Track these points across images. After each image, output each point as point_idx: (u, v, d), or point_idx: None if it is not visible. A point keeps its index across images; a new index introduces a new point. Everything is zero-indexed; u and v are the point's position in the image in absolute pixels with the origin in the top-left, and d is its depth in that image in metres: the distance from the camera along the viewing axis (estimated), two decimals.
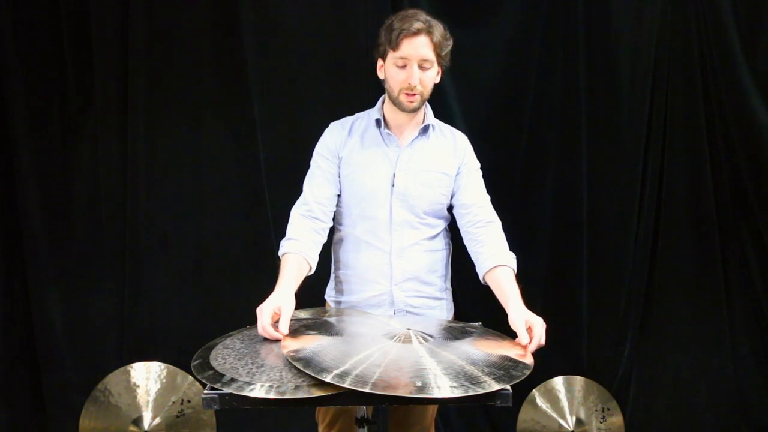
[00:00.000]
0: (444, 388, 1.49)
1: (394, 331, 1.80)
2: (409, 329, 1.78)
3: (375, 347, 1.69)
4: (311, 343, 1.70)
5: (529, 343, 1.77)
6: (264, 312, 1.78)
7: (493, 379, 1.55)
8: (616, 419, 2.83)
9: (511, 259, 2.04)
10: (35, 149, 2.88)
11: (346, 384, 1.48)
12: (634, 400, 3.05)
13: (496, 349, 1.76)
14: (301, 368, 1.55)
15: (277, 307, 1.80)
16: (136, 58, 2.82)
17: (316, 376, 1.51)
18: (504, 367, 1.63)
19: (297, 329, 1.81)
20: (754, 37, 2.86)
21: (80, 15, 2.80)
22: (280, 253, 2.04)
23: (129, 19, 2.80)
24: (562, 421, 2.79)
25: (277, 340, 1.75)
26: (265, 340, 1.78)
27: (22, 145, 2.86)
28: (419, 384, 1.50)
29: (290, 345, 1.69)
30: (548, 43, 2.89)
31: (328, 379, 1.49)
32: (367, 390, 1.47)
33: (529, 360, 1.71)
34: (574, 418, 2.80)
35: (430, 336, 1.79)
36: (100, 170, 2.90)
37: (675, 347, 3.04)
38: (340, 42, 2.86)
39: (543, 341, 1.79)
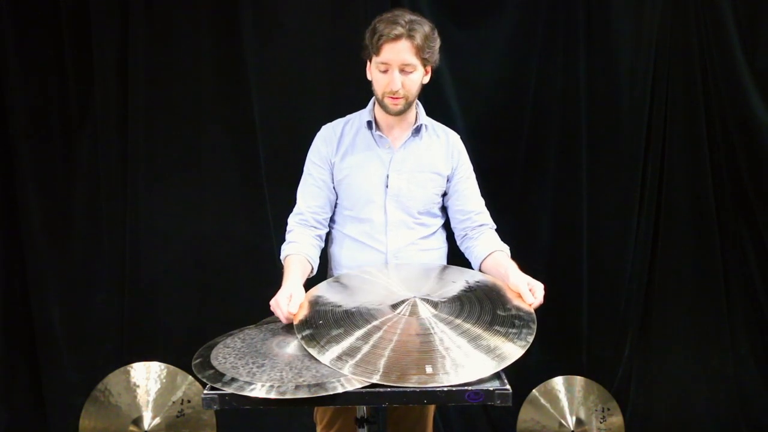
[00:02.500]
0: (461, 369, 1.54)
1: (399, 297, 1.82)
2: (414, 297, 1.81)
3: (381, 320, 1.72)
4: (316, 319, 1.76)
5: (533, 301, 1.84)
6: (281, 302, 1.81)
7: (509, 339, 1.64)
8: (616, 419, 2.83)
9: (504, 247, 2.10)
10: (35, 149, 2.88)
11: (351, 371, 1.52)
12: (634, 400, 3.05)
13: (502, 302, 1.83)
14: (315, 356, 1.60)
15: (289, 295, 1.83)
16: (136, 58, 2.82)
17: (328, 364, 1.56)
18: (518, 326, 1.71)
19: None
20: (754, 37, 2.86)
21: (80, 15, 2.80)
22: (282, 257, 2.06)
23: (129, 19, 2.80)
24: (562, 421, 2.79)
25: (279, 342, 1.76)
26: (266, 339, 1.78)
27: (22, 145, 2.86)
28: (430, 370, 1.51)
29: (298, 325, 1.75)
30: (548, 43, 2.89)
31: (326, 361, 1.55)
32: (375, 380, 1.50)
33: (530, 309, 1.81)
34: (574, 418, 2.80)
35: (435, 303, 1.81)
36: (100, 170, 2.90)
37: (675, 347, 3.04)
38: (340, 42, 2.85)
39: (542, 301, 1.87)
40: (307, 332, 1.71)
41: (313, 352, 1.62)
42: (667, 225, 2.97)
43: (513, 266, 1.98)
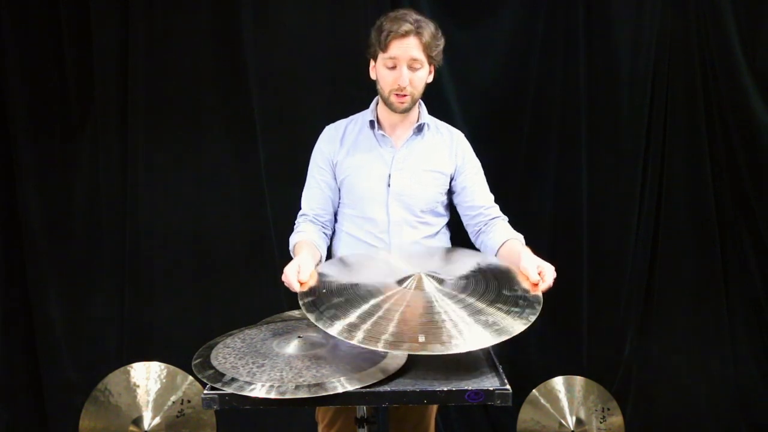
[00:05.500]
0: (469, 339, 1.53)
1: (404, 273, 1.83)
2: (420, 273, 1.81)
3: (387, 295, 1.73)
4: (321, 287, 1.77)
5: (540, 283, 1.81)
6: (289, 273, 1.81)
7: (510, 315, 1.62)
8: (616, 419, 2.82)
9: (519, 236, 2.09)
10: (35, 149, 2.88)
11: (358, 340, 1.53)
12: (634, 400, 3.05)
13: (509, 283, 1.81)
14: (313, 321, 1.61)
15: (297, 266, 1.83)
16: (136, 59, 2.82)
17: (321, 327, 1.58)
18: (521, 306, 1.69)
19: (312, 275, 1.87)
20: (754, 37, 2.86)
21: (80, 15, 2.80)
22: (290, 247, 2.07)
23: (129, 20, 2.80)
24: (562, 421, 2.79)
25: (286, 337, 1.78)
26: (266, 339, 1.79)
27: (22, 146, 2.87)
28: (422, 339, 1.51)
29: (301, 293, 1.75)
30: (548, 43, 2.89)
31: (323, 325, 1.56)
32: (379, 348, 1.51)
33: (539, 294, 1.78)
34: (574, 418, 2.80)
35: (441, 279, 1.81)
36: (100, 170, 2.90)
37: (675, 347, 3.04)
38: (340, 42, 2.86)
39: (551, 284, 1.83)
40: (308, 299, 1.71)
41: (311, 317, 1.63)
42: (667, 225, 2.97)
43: (526, 251, 1.97)
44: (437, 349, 1.50)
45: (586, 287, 2.98)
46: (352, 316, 1.62)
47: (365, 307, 1.66)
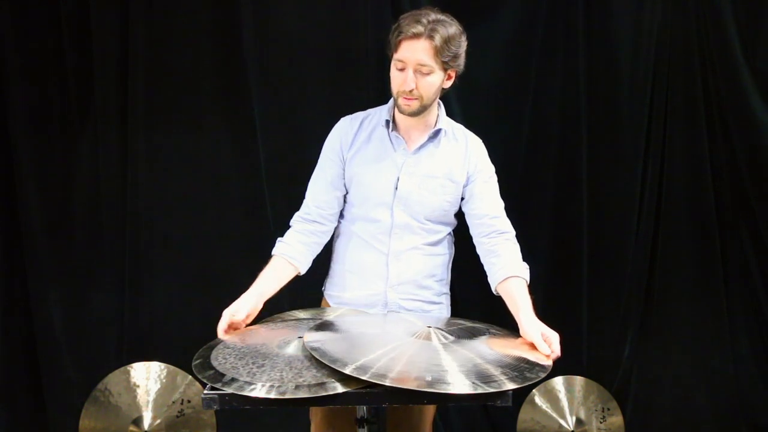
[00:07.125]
0: (458, 384, 1.49)
1: (414, 328, 1.81)
2: (429, 327, 1.78)
3: (395, 343, 1.71)
4: (333, 338, 1.74)
5: (550, 353, 1.73)
6: (223, 315, 1.89)
7: (508, 378, 1.55)
8: (616, 419, 2.83)
9: (524, 270, 1.99)
10: (35, 149, 2.88)
11: (367, 377, 1.50)
12: (634, 400, 3.05)
13: (515, 351, 1.74)
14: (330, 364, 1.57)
15: (235, 311, 1.90)
16: (136, 59, 2.82)
17: (336, 367, 1.54)
18: (520, 369, 1.62)
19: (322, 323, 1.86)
20: (754, 37, 2.85)
21: (80, 15, 2.81)
22: (272, 252, 2.08)
23: (129, 20, 2.80)
24: (562, 421, 2.79)
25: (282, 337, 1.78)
26: (265, 339, 1.78)
27: (22, 145, 2.87)
28: (429, 379, 1.50)
29: (312, 337, 1.71)
30: (548, 43, 2.89)
31: (347, 371, 1.52)
32: (386, 383, 1.48)
33: (548, 362, 1.69)
34: (574, 418, 2.80)
35: (450, 334, 1.79)
36: (100, 170, 2.90)
37: (675, 347, 3.04)
38: (340, 42, 2.86)
39: (559, 354, 1.76)
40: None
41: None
42: (667, 225, 2.97)
43: (526, 306, 1.87)
44: (444, 388, 1.47)
45: (586, 287, 2.98)
46: (361, 360, 1.59)
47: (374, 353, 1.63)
